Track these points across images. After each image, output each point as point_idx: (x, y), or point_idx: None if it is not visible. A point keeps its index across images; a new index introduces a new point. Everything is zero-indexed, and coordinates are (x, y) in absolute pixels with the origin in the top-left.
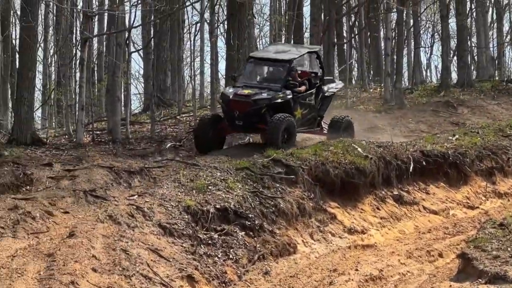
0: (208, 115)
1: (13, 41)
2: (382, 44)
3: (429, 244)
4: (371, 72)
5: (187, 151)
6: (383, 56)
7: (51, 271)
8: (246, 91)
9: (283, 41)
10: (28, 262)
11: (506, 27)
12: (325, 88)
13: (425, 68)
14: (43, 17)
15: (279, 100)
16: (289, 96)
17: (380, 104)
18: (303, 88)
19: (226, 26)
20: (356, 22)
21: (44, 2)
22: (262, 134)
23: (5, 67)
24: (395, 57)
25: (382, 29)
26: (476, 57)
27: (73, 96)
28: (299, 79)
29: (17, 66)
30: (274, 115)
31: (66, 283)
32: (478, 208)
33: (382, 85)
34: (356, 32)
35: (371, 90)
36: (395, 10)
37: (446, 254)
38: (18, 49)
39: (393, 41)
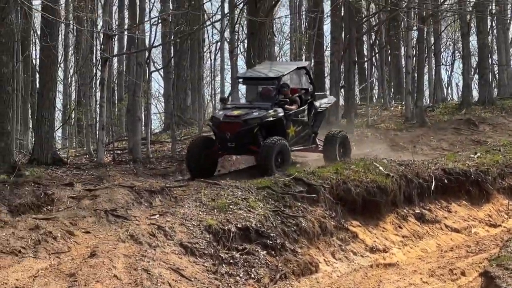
0: (199, 137)
1: (33, 61)
2: (403, 62)
3: (451, 263)
4: (392, 90)
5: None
6: (404, 74)
7: None
8: (236, 112)
9: (303, 59)
10: (50, 283)
11: None
12: (317, 103)
13: (446, 86)
14: (63, 37)
15: (271, 119)
16: (280, 114)
17: (401, 122)
18: (294, 105)
19: (246, 45)
20: (377, 40)
21: (64, 22)
22: (255, 156)
23: (25, 87)
24: (416, 75)
25: (403, 47)
26: (497, 75)
27: (94, 116)
28: (290, 96)
29: (37, 86)
30: (267, 136)
31: None
32: (501, 226)
33: (403, 103)
34: (377, 50)
35: (392, 108)
36: (415, 28)
37: (468, 272)
38: (38, 69)
39: (414, 59)
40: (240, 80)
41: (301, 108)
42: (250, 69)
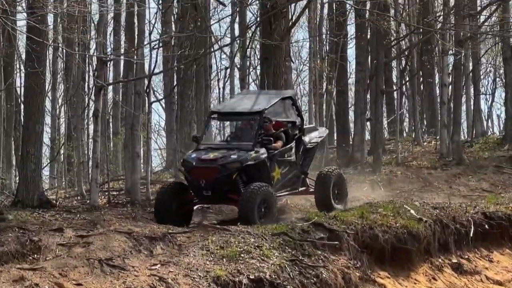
0: (169, 183)
1: (18, 90)
2: (437, 91)
3: None
4: (425, 123)
5: (216, 214)
6: (439, 105)
7: None
8: (212, 155)
9: (324, 88)
10: None
11: None
12: (306, 139)
13: (487, 118)
14: (51, 63)
15: (252, 162)
16: (263, 156)
17: (436, 159)
18: (279, 143)
19: (259, 71)
20: (408, 67)
21: (52, 45)
22: (234, 204)
23: (8, 119)
24: (452, 105)
25: (437, 74)
26: None
27: (86, 152)
28: (274, 131)
29: (22, 118)
30: (248, 182)
31: None
32: None
33: (438, 137)
34: (408, 78)
35: (425, 143)
36: (452, 52)
37: None
38: (23, 99)
39: (450, 87)
40: (215, 116)
41: (287, 146)
42: (227, 102)
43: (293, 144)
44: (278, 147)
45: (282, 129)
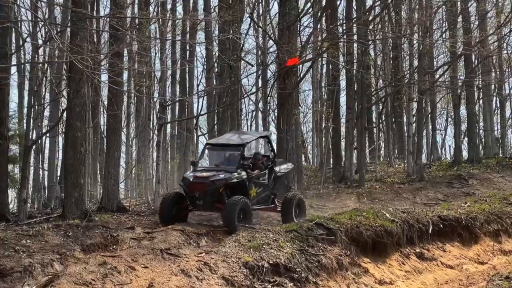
0: (172, 193)
1: (101, 127)
2: (405, 128)
3: None
4: (396, 151)
5: (273, 211)
6: (406, 137)
7: None
8: (205, 174)
9: (323, 125)
10: None
11: (508, 113)
12: (277, 169)
13: (441, 147)
14: (125, 107)
15: (235, 180)
16: (243, 176)
17: (404, 177)
18: (256, 170)
19: (276, 113)
20: (384, 110)
21: (126, 94)
22: (220, 213)
23: (95, 148)
24: (416, 138)
25: (405, 115)
26: (483, 138)
27: (151, 172)
28: (261, 164)
29: (104, 147)
30: (231, 196)
31: None
32: (487, 264)
33: (405, 161)
34: (384, 118)
35: (396, 165)
36: (415, 100)
37: None
38: (105, 133)
39: (414, 125)
40: (209, 146)
41: (261, 172)
42: (218, 137)
43: (266, 171)
44: (255, 172)
45: (260, 161)
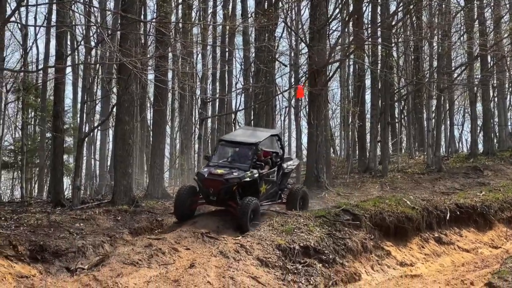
0: (187, 186)
1: (148, 121)
2: (425, 123)
3: (462, 275)
4: (417, 144)
5: (279, 204)
6: (426, 132)
7: None
8: (219, 171)
9: (350, 121)
10: (159, 287)
11: None
12: (285, 165)
13: (458, 140)
14: (170, 103)
15: (248, 179)
16: (256, 175)
17: (424, 168)
18: (266, 168)
19: (307, 109)
20: (405, 106)
21: (171, 91)
22: (231, 209)
23: (142, 140)
24: (435, 132)
25: (425, 112)
26: (498, 133)
27: (193, 162)
28: (263, 158)
29: (151, 140)
30: (243, 193)
31: None
32: (501, 248)
33: (425, 153)
34: (405, 114)
35: (417, 157)
36: (435, 97)
37: (476, 283)
38: (151, 127)
39: (433, 120)
40: (223, 142)
41: (272, 170)
42: (231, 133)
43: (275, 168)
44: (266, 170)
45: (269, 156)
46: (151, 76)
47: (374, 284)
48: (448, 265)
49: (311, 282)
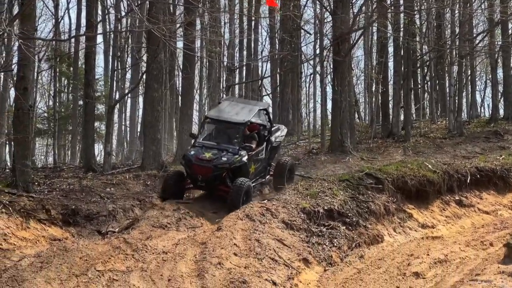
0: (174, 172)
1: (177, 88)
2: (447, 89)
3: (482, 236)
4: (439, 109)
5: (304, 168)
6: (448, 97)
7: (204, 255)
8: (207, 155)
9: (373, 87)
10: (187, 249)
11: None
12: (273, 138)
13: (480, 106)
14: (198, 70)
15: (238, 164)
16: (245, 158)
17: (445, 132)
18: (254, 143)
19: (332, 76)
20: (428, 72)
21: (199, 59)
22: (223, 193)
23: (171, 107)
24: (456, 98)
25: (447, 78)
26: None
27: None
28: (250, 132)
29: (179, 106)
30: (233, 177)
31: (215, 264)
32: None
33: (447, 118)
34: (428, 80)
35: (439, 122)
36: (457, 63)
37: (495, 243)
38: (180, 93)
39: (455, 86)
40: (209, 120)
41: (260, 148)
42: (217, 108)
43: (264, 145)
44: (253, 148)
45: (256, 131)
46: (180, 44)
47: (396, 246)
48: (468, 226)
49: (335, 244)
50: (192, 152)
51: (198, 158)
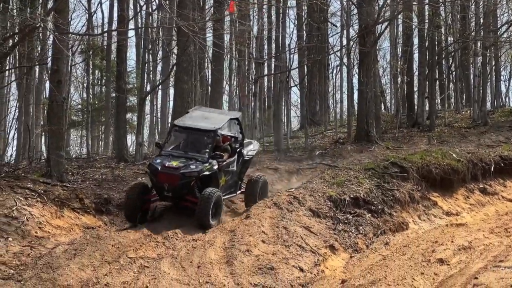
0: (137, 185)
1: (207, 80)
2: (471, 79)
3: (506, 223)
4: (464, 99)
5: (331, 157)
6: (472, 88)
7: (232, 242)
8: (174, 163)
9: (399, 78)
10: (216, 236)
11: None
12: (245, 151)
13: (504, 95)
14: (228, 62)
15: (207, 172)
16: (215, 167)
17: (470, 122)
18: (226, 156)
19: (358, 67)
20: (452, 63)
21: (228, 52)
22: (189, 204)
23: (201, 98)
24: (481, 88)
25: (472, 68)
26: None
27: (250, 118)
28: (222, 144)
29: (209, 97)
30: (202, 187)
31: (243, 251)
32: None
33: (471, 108)
34: (452, 70)
35: (463, 112)
36: (481, 54)
37: None
38: (210, 85)
39: (480, 76)
40: (177, 128)
41: (232, 159)
42: (185, 116)
43: (235, 157)
44: (225, 160)
45: (228, 142)
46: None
47: (421, 233)
48: (492, 214)
49: (361, 231)
50: (158, 160)
51: (164, 166)
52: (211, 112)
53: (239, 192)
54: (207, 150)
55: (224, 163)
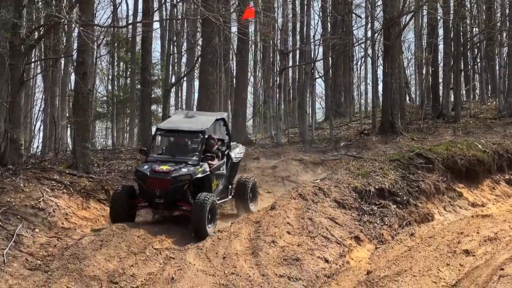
0: (123, 188)
1: (232, 71)
2: (497, 70)
3: None
4: (489, 90)
5: (356, 148)
6: (497, 79)
7: (258, 233)
8: (164, 167)
9: (424, 69)
10: (242, 227)
11: None
12: (232, 154)
13: None
14: (253, 54)
15: (200, 175)
16: (207, 170)
17: (495, 113)
18: (216, 160)
19: (382, 59)
20: (478, 54)
21: (253, 42)
22: (182, 211)
23: (226, 90)
24: (506, 79)
25: (497, 59)
26: None
27: (275, 110)
28: (213, 148)
29: (234, 89)
30: (194, 192)
31: (268, 242)
32: None
33: (497, 99)
34: (478, 61)
35: (489, 103)
36: (506, 45)
37: None
38: (235, 76)
39: (505, 67)
40: (161, 132)
41: (221, 162)
42: (168, 120)
43: (224, 160)
44: (216, 163)
45: (216, 146)
46: (234, 29)
47: (446, 224)
48: None
49: (386, 223)
50: (146, 167)
51: (154, 171)
52: (195, 114)
53: (230, 197)
54: (197, 153)
55: (215, 165)
